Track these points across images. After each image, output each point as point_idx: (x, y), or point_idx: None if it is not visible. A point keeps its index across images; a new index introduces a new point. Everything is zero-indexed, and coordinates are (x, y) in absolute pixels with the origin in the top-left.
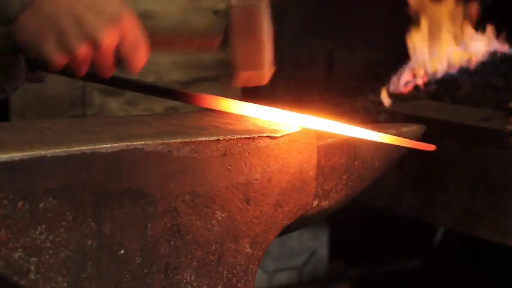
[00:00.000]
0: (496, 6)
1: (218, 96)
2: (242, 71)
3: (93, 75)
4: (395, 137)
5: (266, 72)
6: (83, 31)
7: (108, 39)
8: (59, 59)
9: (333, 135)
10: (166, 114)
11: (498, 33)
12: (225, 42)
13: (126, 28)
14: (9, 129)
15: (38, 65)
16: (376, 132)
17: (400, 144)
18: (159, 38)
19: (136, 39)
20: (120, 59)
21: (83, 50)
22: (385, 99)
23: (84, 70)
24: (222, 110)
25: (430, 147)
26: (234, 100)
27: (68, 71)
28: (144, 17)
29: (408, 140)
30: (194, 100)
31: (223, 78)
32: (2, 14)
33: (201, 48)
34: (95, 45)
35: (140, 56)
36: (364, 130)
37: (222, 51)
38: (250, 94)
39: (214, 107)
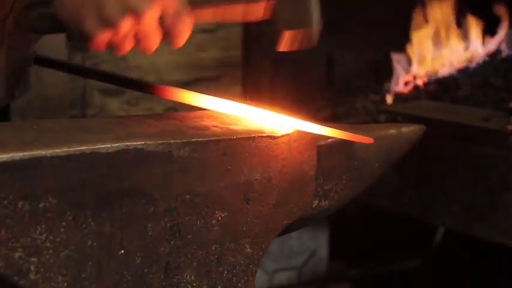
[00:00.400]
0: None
1: (178, 89)
2: (287, 30)
3: (94, 71)
4: (334, 130)
5: (314, 30)
6: (124, 4)
7: (150, 11)
8: (100, 33)
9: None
10: (166, 114)
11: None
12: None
13: (170, 2)
14: (9, 129)
15: (82, 42)
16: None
17: (340, 137)
18: (202, 6)
19: (179, 10)
20: (163, 31)
21: (124, 23)
22: (389, 98)
23: (128, 44)
24: (184, 101)
25: (368, 140)
26: (195, 93)
27: (115, 46)
28: None
29: (346, 132)
30: (158, 92)
31: (223, 78)
32: None
33: (247, 15)
34: (137, 17)
35: (184, 28)
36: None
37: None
38: (250, 94)
39: (174, 98)
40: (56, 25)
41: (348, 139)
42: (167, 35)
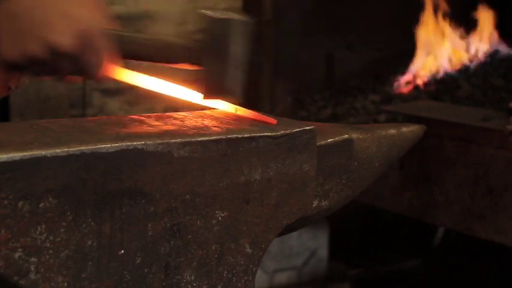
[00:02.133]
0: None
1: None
2: (207, 96)
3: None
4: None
5: (230, 101)
6: (46, 34)
7: (71, 47)
8: (15, 59)
9: (333, 135)
10: (166, 114)
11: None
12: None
13: (93, 39)
14: (9, 129)
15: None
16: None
17: (246, 116)
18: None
19: (101, 52)
20: (81, 67)
21: (41, 54)
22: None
23: (43, 73)
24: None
25: (272, 120)
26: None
27: (31, 71)
28: (144, 17)
29: (250, 111)
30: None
31: None
32: None
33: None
34: (56, 51)
35: (98, 69)
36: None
37: None
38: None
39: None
40: None
41: (253, 118)
42: (82, 70)
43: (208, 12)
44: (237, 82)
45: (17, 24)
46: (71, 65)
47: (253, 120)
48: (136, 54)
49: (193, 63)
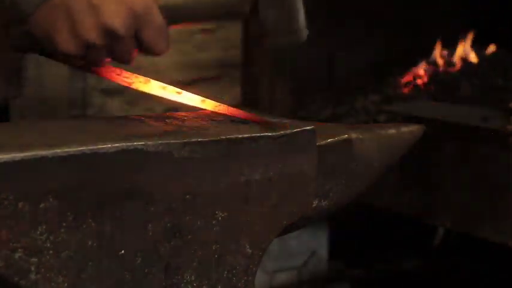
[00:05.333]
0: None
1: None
2: (272, 38)
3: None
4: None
5: (299, 36)
6: (98, 19)
7: (125, 28)
8: (72, 49)
9: (333, 135)
10: (166, 114)
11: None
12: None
13: (146, 15)
14: (9, 129)
15: (57, 58)
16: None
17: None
18: (184, 13)
19: (157, 25)
20: (141, 46)
21: (97, 39)
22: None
23: (103, 59)
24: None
25: (272, 123)
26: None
27: (91, 60)
28: None
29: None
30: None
31: (223, 78)
32: (23, 13)
33: (231, 16)
34: (111, 33)
35: (162, 42)
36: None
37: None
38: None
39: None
40: (33, 42)
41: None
42: (144, 50)
43: None
44: (299, 21)
45: (70, 13)
46: (131, 47)
47: (254, 120)
48: (186, 18)
49: (246, 14)
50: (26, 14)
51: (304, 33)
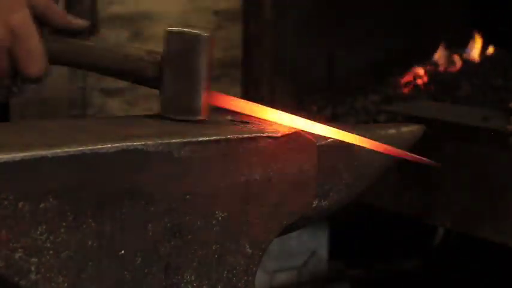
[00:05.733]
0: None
1: None
2: (168, 115)
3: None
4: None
5: (194, 118)
6: None
7: None
8: None
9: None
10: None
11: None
12: (158, 78)
13: (21, 32)
14: (9, 129)
15: None
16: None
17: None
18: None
19: (32, 46)
20: (13, 66)
21: None
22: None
23: None
24: None
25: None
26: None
27: None
28: (144, 17)
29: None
30: None
31: (223, 78)
32: None
33: (132, 80)
34: None
35: (35, 66)
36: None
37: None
38: (251, 94)
39: None
40: None
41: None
42: (16, 71)
43: (171, 29)
44: (198, 99)
45: None
46: (1, 62)
47: (255, 120)
48: (78, 62)
49: (144, 77)
50: None
51: (200, 114)
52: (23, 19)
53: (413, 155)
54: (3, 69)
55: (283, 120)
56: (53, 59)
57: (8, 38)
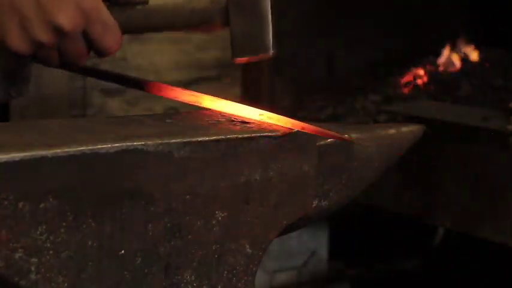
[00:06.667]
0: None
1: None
2: (240, 56)
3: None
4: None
5: (266, 56)
6: (46, 17)
7: (72, 25)
8: (24, 47)
9: (333, 135)
10: (166, 114)
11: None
12: (226, 23)
13: (92, 11)
14: (9, 129)
15: (12, 55)
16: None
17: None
18: (153, 21)
19: (105, 21)
20: (91, 44)
21: (46, 37)
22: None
23: (54, 58)
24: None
25: (344, 137)
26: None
27: (43, 59)
28: None
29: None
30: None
31: (223, 78)
32: None
33: (202, 30)
34: (59, 30)
35: (112, 39)
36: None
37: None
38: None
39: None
40: None
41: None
42: (94, 48)
43: None
44: (267, 37)
45: (18, 12)
46: (80, 45)
47: (255, 120)
48: (147, 26)
49: (212, 26)
50: None
51: (271, 50)
52: (92, 0)
53: (331, 132)
54: (82, 50)
55: (224, 109)
56: (124, 29)
57: (82, 19)
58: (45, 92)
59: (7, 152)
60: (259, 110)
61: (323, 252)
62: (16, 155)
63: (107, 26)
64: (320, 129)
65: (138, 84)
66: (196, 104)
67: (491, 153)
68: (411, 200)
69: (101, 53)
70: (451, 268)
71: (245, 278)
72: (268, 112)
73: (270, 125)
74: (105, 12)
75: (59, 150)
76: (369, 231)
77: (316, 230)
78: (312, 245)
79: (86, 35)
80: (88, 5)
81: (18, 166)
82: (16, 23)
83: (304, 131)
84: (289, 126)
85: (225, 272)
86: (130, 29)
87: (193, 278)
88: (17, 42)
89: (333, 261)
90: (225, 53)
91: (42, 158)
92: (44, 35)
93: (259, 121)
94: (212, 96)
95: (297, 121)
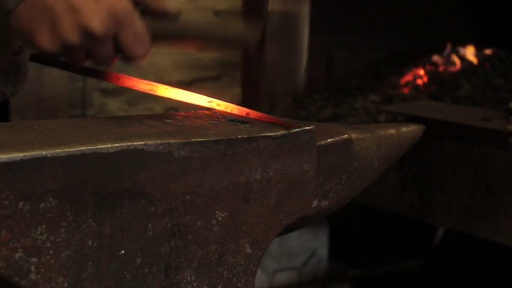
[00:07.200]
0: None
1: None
2: (273, 81)
3: (87, 69)
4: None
5: (298, 84)
6: (77, 20)
7: (104, 29)
8: (52, 48)
9: (333, 135)
10: (166, 114)
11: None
12: (261, 49)
13: (125, 18)
14: (9, 129)
15: (39, 54)
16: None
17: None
18: (183, 35)
19: (137, 29)
20: (120, 49)
21: (76, 39)
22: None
23: (81, 59)
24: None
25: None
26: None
27: (70, 59)
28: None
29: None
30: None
31: (223, 78)
32: (4, 8)
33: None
34: (90, 34)
35: (141, 47)
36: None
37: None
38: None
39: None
40: (13, 37)
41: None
42: (123, 53)
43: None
44: (299, 74)
45: (49, 12)
46: (109, 50)
47: (256, 119)
48: (178, 40)
49: (244, 50)
50: (7, 9)
51: (302, 83)
52: (126, 5)
53: (275, 118)
54: (110, 55)
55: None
56: (155, 39)
57: (114, 25)
58: (45, 92)
59: (7, 152)
60: (208, 97)
61: (323, 252)
62: (16, 155)
63: (138, 34)
64: (265, 115)
65: (96, 74)
66: (151, 92)
67: (491, 153)
68: (411, 200)
69: (128, 59)
70: (451, 268)
71: (245, 278)
72: (216, 100)
73: (270, 125)
74: (137, 20)
75: (59, 150)
76: (369, 231)
77: (316, 230)
78: (312, 245)
79: (116, 41)
80: (121, 11)
81: (19, 166)
82: (46, 22)
83: (249, 116)
84: (236, 112)
85: (225, 272)
86: (161, 40)
87: (193, 278)
88: (46, 42)
89: (333, 261)
90: (225, 53)
91: (42, 158)
92: (74, 38)
93: (260, 121)
94: (166, 86)
95: (243, 107)
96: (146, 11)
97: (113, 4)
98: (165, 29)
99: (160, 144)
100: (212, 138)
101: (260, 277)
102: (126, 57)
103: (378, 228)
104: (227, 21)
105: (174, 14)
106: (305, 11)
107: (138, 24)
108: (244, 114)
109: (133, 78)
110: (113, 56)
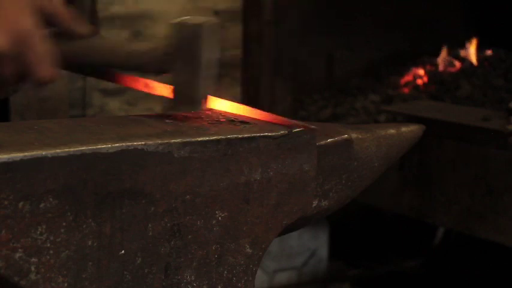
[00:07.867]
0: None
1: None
2: (175, 105)
3: None
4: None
5: (199, 107)
6: None
7: (4, 47)
8: None
9: (333, 135)
10: (166, 114)
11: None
12: (162, 71)
13: (28, 38)
14: (9, 129)
15: None
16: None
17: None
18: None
19: (41, 50)
20: (23, 71)
21: None
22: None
23: None
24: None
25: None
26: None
27: None
28: (144, 17)
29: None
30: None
31: (223, 78)
32: None
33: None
34: None
35: (45, 70)
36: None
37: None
38: (251, 94)
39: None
40: None
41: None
42: (26, 76)
43: (177, 20)
44: (208, 90)
45: None
46: (9, 70)
47: (256, 120)
48: (84, 63)
49: (160, 72)
50: None
51: (202, 104)
52: (30, 24)
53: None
54: (12, 75)
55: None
56: (64, 63)
57: (14, 45)
58: (45, 93)
59: (7, 152)
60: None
61: (323, 252)
62: (16, 155)
63: (42, 56)
64: (267, 113)
65: (98, 73)
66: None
67: (491, 153)
68: (411, 200)
69: (34, 82)
70: (451, 268)
71: (245, 278)
72: (217, 99)
73: (270, 125)
74: (41, 41)
75: (59, 150)
76: (368, 231)
77: (316, 230)
78: (312, 245)
79: (17, 61)
80: (24, 31)
81: (19, 166)
82: None
83: (251, 116)
84: (236, 112)
85: (225, 272)
86: (69, 64)
87: (193, 278)
88: None
89: (333, 261)
90: (225, 53)
91: (42, 158)
92: None
93: (260, 121)
94: (166, 85)
95: (245, 106)
96: (59, 32)
97: (16, 23)
98: (72, 52)
99: (160, 144)
100: (212, 138)
101: (260, 277)
102: (32, 80)
103: (377, 228)
104: (132, 45)
105: (87, 35)
106: (211, 24)
107: (43, 46)
108: (245, 113)
109: (134, 78)
110: (16, 77)
